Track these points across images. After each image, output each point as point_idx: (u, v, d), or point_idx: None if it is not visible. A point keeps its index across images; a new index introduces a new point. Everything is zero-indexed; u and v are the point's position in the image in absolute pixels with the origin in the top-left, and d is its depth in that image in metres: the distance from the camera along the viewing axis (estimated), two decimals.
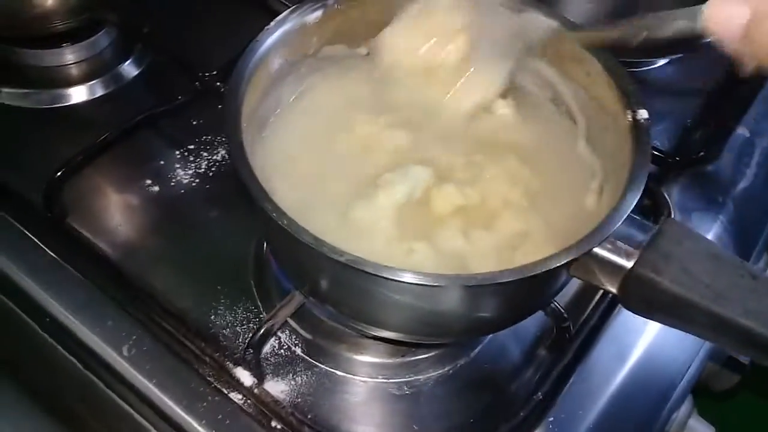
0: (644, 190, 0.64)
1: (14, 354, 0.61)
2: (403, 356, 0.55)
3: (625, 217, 0.42)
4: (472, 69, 0.54)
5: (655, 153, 0.67)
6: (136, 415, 0.51)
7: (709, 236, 0.64)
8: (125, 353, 0.51)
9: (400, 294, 0.42)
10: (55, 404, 0.59)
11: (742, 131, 0.71)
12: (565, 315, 0.53)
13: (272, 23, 0.51)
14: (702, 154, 0.68)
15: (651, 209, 0.64)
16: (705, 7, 0.36)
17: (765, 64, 0.35)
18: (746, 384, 0.74)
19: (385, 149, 0.53)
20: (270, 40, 0.51)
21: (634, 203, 0.43)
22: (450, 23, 0.54)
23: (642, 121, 0.47)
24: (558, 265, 0.41)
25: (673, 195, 0.65)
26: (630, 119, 0.47)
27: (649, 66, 0.81)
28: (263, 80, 0.51)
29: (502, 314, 0.47)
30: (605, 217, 0.42)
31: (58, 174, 0.61)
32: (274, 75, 0.52)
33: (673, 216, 0.63)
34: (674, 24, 0.39)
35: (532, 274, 0.40)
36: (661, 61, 0.81)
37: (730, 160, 0.68)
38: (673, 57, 0.76)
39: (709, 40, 0.37)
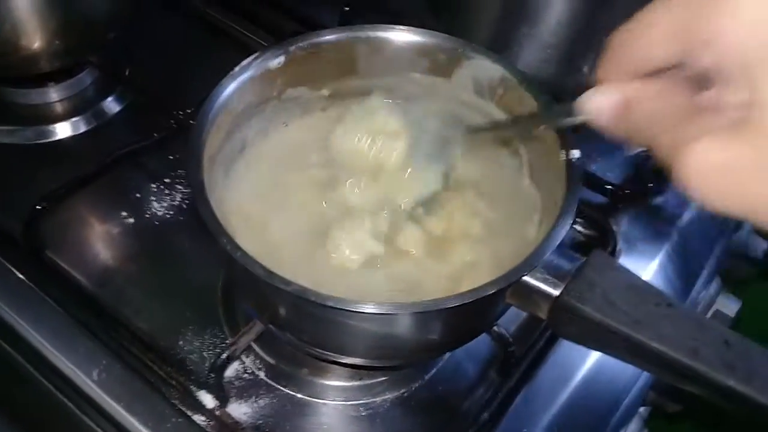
0: (592, 221, 0.69)
1: None
2: (360, 379, 0.58)
3: (552, 248, 0.46)
4: (409, 170, 0.57)
5: (606, 185, 0.71)
6: None
7: (654, 265, 0.68)
8: (95, 378, 0.54)
9: (348, 320, 0.45)
10: (32, 425, 0.62)
11: None
12: (510, 340, 0.57)
13: (236, 68, 0.55)
14: (651, 185, 0.72)
15: (598, 239, 0.68)
16: (579, 99, 0.40)
17: (643, 146, 0.38)
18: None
19: (344, 192, 0.57)
20: (234, 84, 0.54)
21: (562, 236, 0.46)
22: (390, 125, 0.58)
23: (574, 160, 0.51)
24: (492, 292, 0.44)
25: (620, 226, 0.69)
26: (564, 158, 0.51)
27: None
28: (227, 122, 0.54)
29: (446, 337, 0.50)
30: (534, 249, 0.46)
31: (38, 207, 0.64)
32: (239, 116, 0.56)
33: (618, 246, 0.67)
34: (563, 120, 0.44)
35: (471, 300, 0.44)
36: None
37: (677, 192, 0.72)
38: None
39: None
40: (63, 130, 0.76)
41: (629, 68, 0.37)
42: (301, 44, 0.57)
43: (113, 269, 0.63)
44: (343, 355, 0.52)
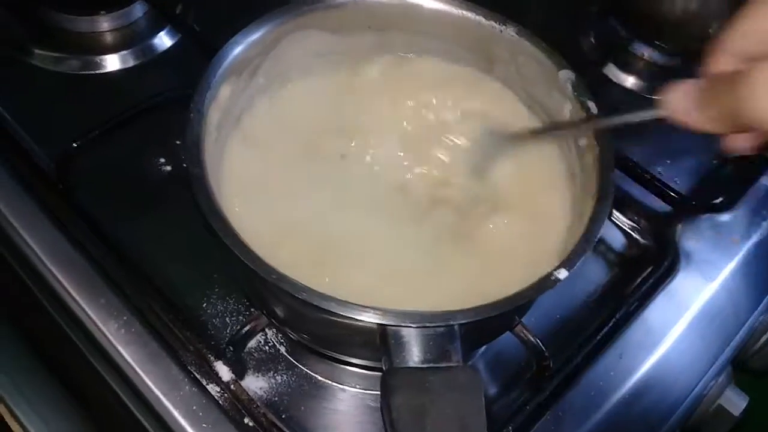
0: (651, 231, 0.64)
1: (14, 305, 0.63)
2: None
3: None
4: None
5: (671, 193, 0.66)
6: (117, 390, 0.53)
7: (715, 285, 0.63)
8: (113, 332, 0.52)
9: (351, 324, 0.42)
10: (53, 361, 0.62)
11: (765, 181, 0.69)
12: (546, 353, 0.53)
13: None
14: (719, 201, 0.66)
15: (656, 251, 0.63)
16: (661, 92, 0.40)
17: (726, 129, 0.37)
18: None
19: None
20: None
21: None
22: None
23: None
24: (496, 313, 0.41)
25: (682, 239, 0.64)
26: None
27: None
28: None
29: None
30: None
31: (74, 145, 0.62)
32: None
33: (679, 262, 0.62)
34: (642, 115, 0.44)
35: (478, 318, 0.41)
36: None
37: (747, 212, 0.67)
38: None
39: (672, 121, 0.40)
40: (111, 62, 0.74)
41: (741, 54, 0.37)
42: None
43: (143, 219, 0.61)
44: (346, 355, 0.50)
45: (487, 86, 0.59)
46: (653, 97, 0.77)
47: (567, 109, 0.53)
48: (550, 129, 0.56)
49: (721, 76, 0.37)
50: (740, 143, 0.41)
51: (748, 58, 0.37)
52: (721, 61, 0.38)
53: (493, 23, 0.55)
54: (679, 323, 0.60)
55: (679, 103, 0.38)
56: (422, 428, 0.38)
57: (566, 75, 0.53)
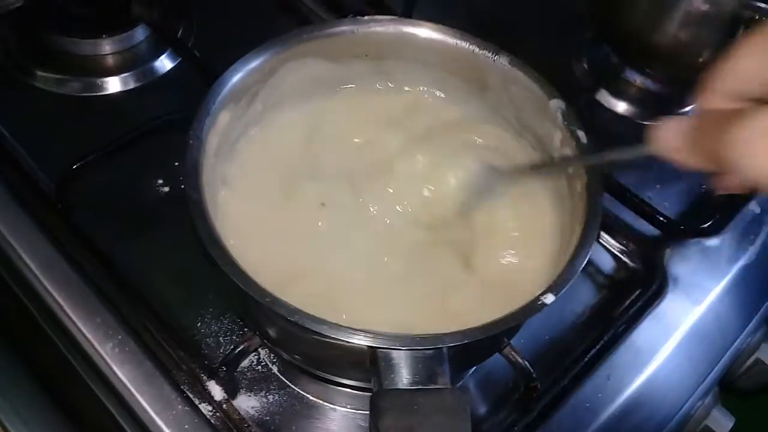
0: (640, 254, 0.65)
1: (10, 324, 0.63)
2: None
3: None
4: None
5: (660, 217, 0.67)
6: (111, 409, 0.54)
7: (702, 308, 0.64)
8: (108, 352, 0.53)
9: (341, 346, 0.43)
10: (48, 380, 0.62)
11: (752, 207, 0.70)
12: (534, 375, 0.54)
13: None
14: (707, 225, 0.68)
15: (644, 275, 0.64)
16: (651, 130, 0.40)
17: (714, 167, 0.37)
18: None
19: None
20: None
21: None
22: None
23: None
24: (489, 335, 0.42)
25: (670, 263, 0.65)
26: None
27: None
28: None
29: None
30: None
31: (74, 166, 0.63)
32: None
33: (666, 285, 0.63)
34: (631, 152, 0.44)
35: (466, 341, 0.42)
36: None
37: (735, 236, 0.68)
38: None
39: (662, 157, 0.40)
40: (112, 84, 0.75)
41: (730, 94, 0.37)
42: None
43: (140, 239, 0.62)
44: (337, 376, 0.51)
45: (483, 125, 0.60)
46: (645, 122, 0.80)
47: (557, 138, 0.55)
48: (542, 166, 0.56)
49: (711, 115, 0.37)
50: (729, 182, 0.41)
51: (738, 96, 0.37)
52: (712, 99, 0.38)
53: (486, 52, 0.57)
54: (666, 345, 0.61)
55: (669, 140, 0.39)
56: None
57: (557, 104, 0.54)
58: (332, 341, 0.42)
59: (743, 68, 0.37)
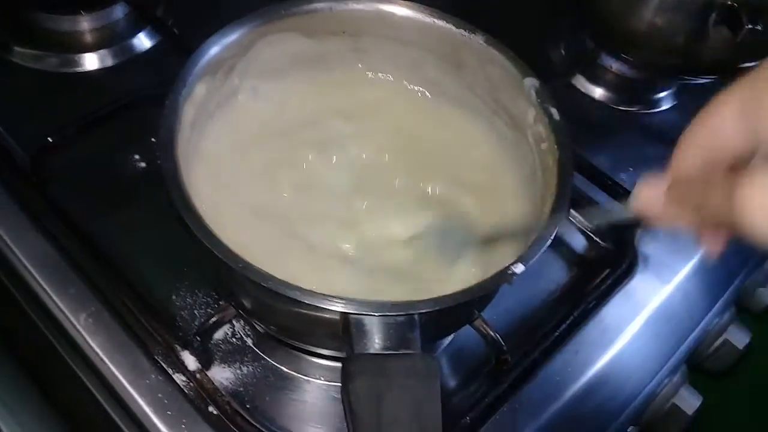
0: (611, 234, 0.66)
1: None
2: None
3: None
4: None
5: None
6: (85, 381, 0.54)
7: (670, 287, 0.65)
8: (81, 322, 0.53)
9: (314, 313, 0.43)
10: (22, 353, 0.62)
11: None
12: (505, 348, 0.55)
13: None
14: None
15: (615, 253, 0.65)
16: (631, 196, 0.40)
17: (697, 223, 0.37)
18: None
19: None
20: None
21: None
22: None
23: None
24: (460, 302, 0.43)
25: (640, 243, 0.66)
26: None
27: (655, 109, 0.82)
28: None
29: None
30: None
31: (50, 139, 0.63)
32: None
33: (636, 264, 0.65)
34: (614, 215, 0.47)
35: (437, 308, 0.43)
36: (666, 106, 0.83)
37: None
38: None
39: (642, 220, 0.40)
40: (89, 61, 0.75)
41: (703, 159, 0.37)
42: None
43: (116, 213, 0.62)
44: (311, 345, 0.52)
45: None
46: (620, 108, 0.81)
47: (531, 115, 0.55)
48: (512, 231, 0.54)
49: (693, 174, 0.37)
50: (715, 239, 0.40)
51: (713, 160, 0.36)
52: (690, 157, 0.37)
53: (462, 31, 0.58)
54: (634, 323, 0.62)
55: (649, 205, 0.38)
56: (379, 412, 0.39)
57: (531, 82, 0.55)
58: (305, 308, 0.42)
59: (718, 125, 0.36)
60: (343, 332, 0.43)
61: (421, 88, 0.63)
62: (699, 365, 0.73)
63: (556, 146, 0.52)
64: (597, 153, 0.73)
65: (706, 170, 0.36)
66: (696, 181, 0.36)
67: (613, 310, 0.62)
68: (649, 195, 0.38)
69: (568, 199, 0.49)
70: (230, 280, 0.48)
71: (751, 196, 0.31)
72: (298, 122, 0.59)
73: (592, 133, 0.78)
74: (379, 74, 0.63)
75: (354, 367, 0.41)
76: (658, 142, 0.79)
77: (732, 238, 0.38)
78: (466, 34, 0.58)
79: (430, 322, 0.44)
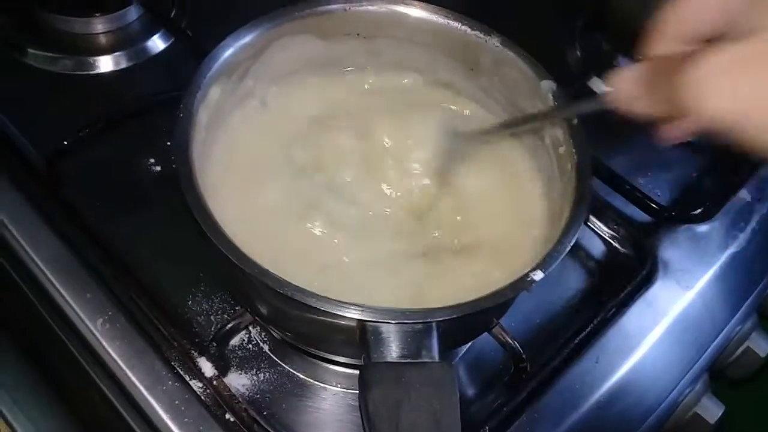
0: (631, 240, 0.65)
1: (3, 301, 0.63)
2: None
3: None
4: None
5: (652, 204, 0.67)
6: (102, 386, 0.54)
7: (691, 294, 0.64)
8: (98, 327, 0.53)
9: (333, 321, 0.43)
10: (38, 357, 0.62)
11: (743, 195, 0.70)
12: (524, 355, 0.54)
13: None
14: (698, 212, 0.68)
15: (635, 259, 0.64)
16: (607, 76, 0.41)
17: (663, 115, 0.38)
18: None
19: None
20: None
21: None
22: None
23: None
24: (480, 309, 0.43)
25: (660, 248, 0.65)
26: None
27: None
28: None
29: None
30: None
31: (65, 142, 0.63)
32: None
33: (656, 271, 0.64)
34: (593, 104, 0.47)
35: (456, 315, 0.42)
36: None
37: (725, 223, 0.68)
38: None
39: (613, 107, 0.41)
40: (104, 63, 0.75)
41: (680, 37, 0.38)
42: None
43: (131, 216, 0.62)
44: (327, 352, 0.51)
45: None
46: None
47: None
48: (510, 124, 0.57)
49: (664, 60, 0.38)
50: (677, 131, 0.40)
51: (689, 39, 0.37)
52: (663, 44, 0.38)
53: (477, 33, 0.57)
54: (655, 330, 0.61)
55: (623, 92, 0.40)
56: (397, 421, 0.39)
57: (548, 85, 0.54)
58: (322, 315, 0.42)
59: (691, 9, 0.37)
60: (359, 340, 0.42)
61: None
62: (720, 373, 0.71)
63: (573, 150, 0.51)
64: (614, 156, 0.72)
65: (675, 56, 0.37)
66: (664, 66, 0.37)
67: (633, 317, 0.61)
68: (624, 83, 0.39)
69: (588, 205, 0.48)
70: (246, 286, 0.48)
71: (694, 77, 0.33)
72: (313, 124, 0.59)
73: (608, 136, 0.77)
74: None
75: (371, 375, 0.40)
76: (676, 145, 0.77)
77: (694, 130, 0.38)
78: (482, 36, 0.57)
79: (448, 329, 0.43)
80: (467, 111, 0.61)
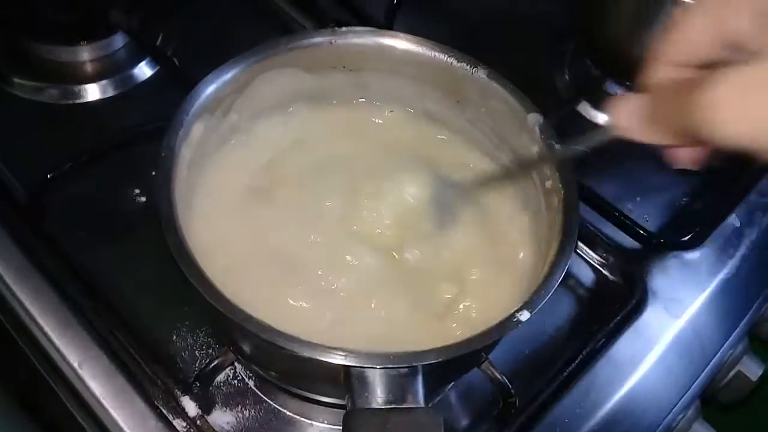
0: (620, 267, 0.65)
1: None
2: None
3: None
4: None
5: (640, 230, 0.67)
6: (84, 426, 0.53)
7: (681, 321, 0.63)
8: (79, 365, 0.52)
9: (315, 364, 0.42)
10: (21, 395, 0.61)
11: (732, 220, 0.70)
12: (512, 390, 0.54)
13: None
14: (687, 238, 0.68)
15: (624, 287, 0.64)
16: (608, 108, 0.40)
17: (673, 138, 0.37)
18: None
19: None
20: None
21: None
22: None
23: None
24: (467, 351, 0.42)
25: (650, 275, 0.65)
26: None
27: None
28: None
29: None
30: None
31: (49, 176, 0.62)
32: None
33: (646, 299, 0.63)
34: (594, 139, 0.45)
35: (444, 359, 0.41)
36: None
37: (715, 249, 0.68)
38: None
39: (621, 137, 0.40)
40: (90, 91, 0.74)
41: (678, 62, 0.38)
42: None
43: (115, 250, 0.62)
44: (312, 393, 0.50)
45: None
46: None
47: (535, 151, 0.54)
48: (508, 173, 0.56)
49: (666, 86, 0.37)
50: (686, 155, 0.41)
51: (687, 64, 0.37)
52: (662, 70, 0.38)
53: (464, 65, 0.57)
54: (646, 359, 0.60)
55: (626, 120, 0.39)
56: None
57: (535, 118, 0.54)
58: (305, 360, 0.41)
59: (687, 34, 0.37)
60: (344, 383, 0.41)
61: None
62: (712, 398, 0.71)
63: (560, 185, 0.51)
64: (603, 182, 0.71)
65: (678, 82, 0.37)
66: (669, 93, 0.37)
67: (623, 346, 0.60)
68: (626, 111, 0.39)
69: (574, 242, 0.47)
70: (230, 329, 0.47)
71: (707, 100, 0.33)
72: (298, 157, 0.58)
73: (598, 161, 0.76)
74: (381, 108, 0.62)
75: (355, 422, 0.40)
76: (666, 171, 0.77)
77: (706, 152, 0.39)
78: (468, 68, 0.57)
79: (435, 370, 0.43)
80: (455, 148, 0.60)
